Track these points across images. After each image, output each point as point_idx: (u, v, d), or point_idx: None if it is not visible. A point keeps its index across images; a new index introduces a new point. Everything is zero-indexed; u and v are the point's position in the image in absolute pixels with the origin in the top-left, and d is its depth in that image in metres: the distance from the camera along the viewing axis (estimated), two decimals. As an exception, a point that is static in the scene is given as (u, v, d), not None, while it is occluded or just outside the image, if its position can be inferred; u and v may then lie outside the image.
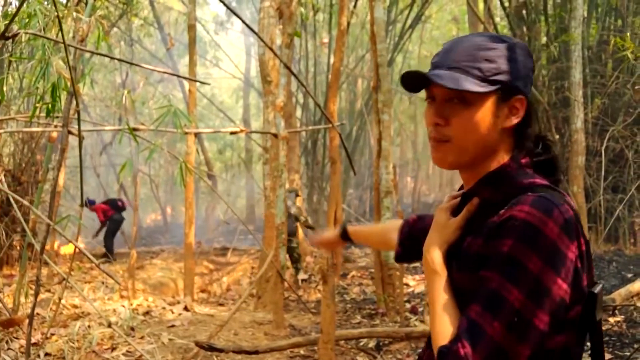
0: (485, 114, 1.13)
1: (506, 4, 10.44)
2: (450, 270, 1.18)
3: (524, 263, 1.00)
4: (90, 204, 10.88)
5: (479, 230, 1.12)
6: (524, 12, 10.64)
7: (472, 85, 1.11)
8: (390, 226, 1.73)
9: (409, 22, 12.23)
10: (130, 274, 6.83)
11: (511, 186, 1.14)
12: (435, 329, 1.10)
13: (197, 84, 7.48)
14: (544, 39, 10.38)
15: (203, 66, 20.99)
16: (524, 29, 10.45)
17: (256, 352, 4.46)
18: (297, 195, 8.85)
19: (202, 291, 8.72)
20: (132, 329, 5.21)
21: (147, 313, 5.96)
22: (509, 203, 1.08)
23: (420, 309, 6.34)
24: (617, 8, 9.90)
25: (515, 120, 1.16)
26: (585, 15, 10.00)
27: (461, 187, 1.29)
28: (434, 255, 1.19)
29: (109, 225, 10.82)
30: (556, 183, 1.18)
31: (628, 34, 8.65)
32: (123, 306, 6.04)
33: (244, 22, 3.30)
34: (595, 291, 1.10)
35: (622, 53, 7.55)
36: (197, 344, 4.31)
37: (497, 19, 12.62)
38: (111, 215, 10.86)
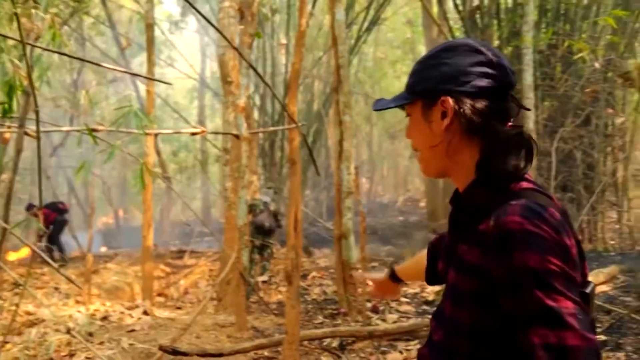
0: (417, 120, 1.25)
1: (460, 8, 10.64)
2: (448, 273, 1.23)
3: (547, 267, 1.01)
4: (32, 208, 10.71)
5: (471, 238, 1.14)
6: (477, 15, 10.88)
7: (400, 100, 1.27)
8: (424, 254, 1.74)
9: (366, 24, 12.31)
10: (86, 279, 6.68)
11: (499, 190, 1.15)
12: None
13: (155, 83, 7.36)
14: (496, 42, 10.62)
15: (157, 66, 20.62)
16: (478, 32, 10.68)
17: (220, 355, 4.43)
18: (275, 192, 8.78)
19: (159, 295, 8.58)
20: (91, 334, 5.10)
21: (104, 318, 5.84)
22: (492, 209, 1.10)
23: (381, 308, 6.40)
24: (567, 13, 10.19)
25: (446, 122, 1.18)
26: (536, 19, 10.27)
27: (456, 191, 1.30)
28: None
29: (53, 229, 10.64)
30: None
31: (583, 36, 8.91)
32: (79, 312, 5.91)
33: (209, 22, 3.28)
34: (587, 291, 1.11)
35: (577, 56, 7.77)
36: (161, 347, 4.25)
37: (452, 22, 12.83)
38: (54, 218, 10.72)
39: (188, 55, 18.88)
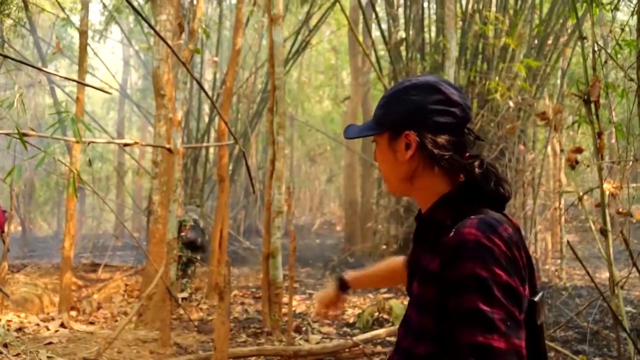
0: (384, 150, 1.39)
1: (387, 39, 11.04)
2: (411, 284, 1.34)
3: (491, 278, 1.15)
4: None
5: (434, 248, 1.27)
6: (402, 48, 11.32)
7: (366, 131, 1.44)
8: (396, 262, 1.83)
9: (294, 48, 12.51)
10: (-2, 289, 6.35)
11: (458, 208, 1.30)
12: None
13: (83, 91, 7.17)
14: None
15: (75, 74, 20.01)
16: (402, 64, 11.11)
17: (147, 370, 4.36)
18: (198, 206, 8.82)
19: (72, 309, 8.26)
20: (5, 345, 4.86)
21: (19, 329, 5.59)
22: (455, 224, 1.24)
23: (304, 329, 6.47)
24: (484, 52, 10.79)
25: (410, 153, 1.34)
26: (457, 55, 10.81)
27: (419, 211, 1.45)
28: None
29: None
30: (497, 205, 1.34)
31: (497, 78, 9.46)
32: (-8, 322, 5.62)
33: (161, 37, 3.30)
34: (535, 299, 1.28)
35: (492, 95, 8.28)
36: (86, 361, 4.14)
37: (380, 52, 13.28)
38: None
39: (110, 65, 18.42)
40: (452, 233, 1.22)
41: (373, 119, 1.42)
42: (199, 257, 8.11)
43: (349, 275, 1.96)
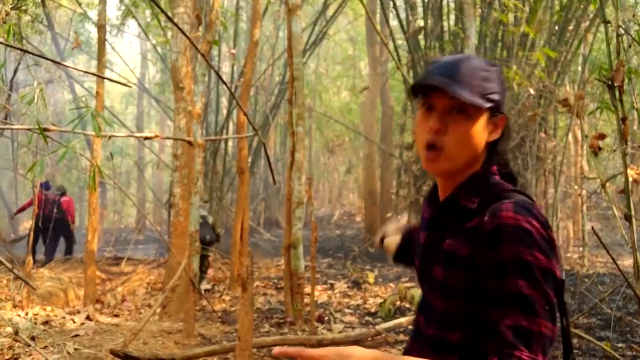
0: (479, 127, 1.27)
1: (405, 28, 10.97)
2: (431, 270, 1.32)
3: (533, 262, 1.14)
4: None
5: (458, 233, 1.26)
6: (420, 36, 11.25)
7: (477, 99, 1.24)
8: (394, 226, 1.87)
9: (312, 39, 12.49)
10: (24, 282, 6.46)
11: (485, 191, 1.29)
12: None
13: (104, 86, 7.23)
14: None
15: (93, 69, 20.17)
16: (421, 52, 11.03)
17: (172, 360, 4.41)
18: (206, 202, 8.98)
19: (96, 301, 8.38)
20: (33, 338, 4.95)
21: (46, 323, 5.68)
22: (483, 208, 1.23)
23: (326, 318, 6.50)
24: (504, 40, 10.68)
25: (495, 136, 1.32)
26: (476, 43, 10.71)
27: (431, 194, 1.44)
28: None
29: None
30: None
31: (514, 67, 9.36)
32: (19, 315, 5.72)
33: (180, 29, 3.31)
34: (563, 278, 1.27)
35: (509, 84, 8.18)
36: (112, 352, 4.20)
37: (399, 42, 13.19)
38: None
39: (127, 59, 18.56)
40: (486, 217, 1.21)
41: (474, 88, 1.25)
42: (209, 254, 8.32)
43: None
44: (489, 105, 1.27)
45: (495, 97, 1.28)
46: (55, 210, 10.85)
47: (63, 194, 11.54)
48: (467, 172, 1.32)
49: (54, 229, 10.86)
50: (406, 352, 1.41)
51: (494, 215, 1.20)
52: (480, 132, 1.28)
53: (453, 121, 1.26)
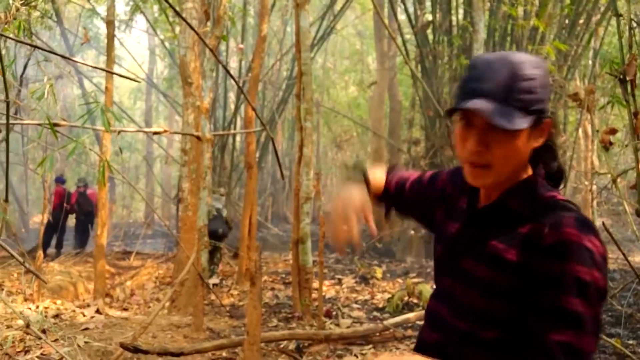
0: (524, 141, 1.22)
1: (413, 22, 10.94)
2: (473, 265, 1.29)
3: (592, 281, 1.13)
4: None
5: (505, 236, 1.25)
6: (429, 31, 11.20)
7: (518, 121, 1.17)
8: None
9: (319, 34, 12.48)
10: (36, 276, 6.50)
11: (535, 198, 1.26)
12: None
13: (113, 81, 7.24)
14: (446, 58, 10.95)
15: (102, 64, 20.25)
16: (429, 47, 11.00)
17: (181, 354, 4.42)
18: (222, 195, 8.99)
19: (106, 295, 8.43)
20: (44, 331, 4.98)
21: (57, 316, 5.71)
22: (539, 217, 1.21)
23: (334, 313, 6.50)
24: (513, 34, 10.63)
25: (542, 141, 1.27)
26: (485, 37, 10.66)
27: (468, 186, 1.37)
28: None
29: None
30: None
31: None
32: (30, 309, 5.76)
33: (188, 24, 3.30)
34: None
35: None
36: (122, 345, 4.21)
37: (407, 36, 13.16)
38: None
39: (136, 54, 18.61)
40: (547, 229, 1.18)
41: (515, 104, 1.18)
42: (222, 245, 8.34)
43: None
44: (532, 119, 1.20)
45: (540, 105, 1.21)
46: (82, 202, 11.19)
47: (86, 185, 11.80)
48: (515, 178, 1.29)
49: (85, 220, 11.18)
50: (423, 340, 1.40)
51: (556, 229, 1.17)
52: (525, 144, 1.23)
53: (495, 139, 1.21)
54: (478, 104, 1.18)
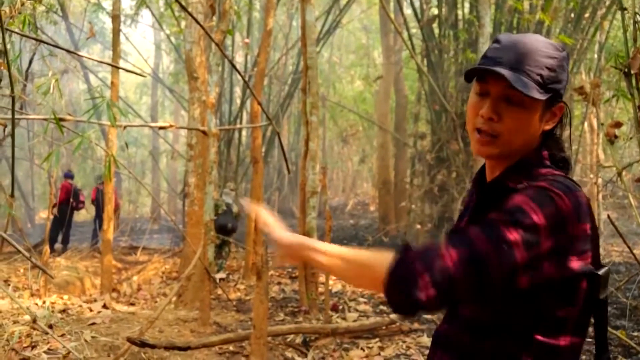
0: (535, 117, 1.25)
1: (419, 17, 10.91)
2: None
3: (529, 213, 1.12)
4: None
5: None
6: (435, 25, 11.18)
7: (535, 91, 1.21)
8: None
9: (325, 28, 12.46)
10: (42, 271, 6.55)
11: (532, 173, 1.26)
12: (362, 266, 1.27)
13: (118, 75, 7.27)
14: (452, 52, 10.93)
15: (107, 59, 20.27)
16: (435, 41, 10.97)
17: (188, 348, 4.46)
18: (232, 190, 9.05)
19: (112, 290, 8.47)
20: (51, 326, 5.01)
21: (63, 311, 5.75)
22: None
23: (340, 307, 6.53)
24: (519, 28, 10.59)
25: (553, 124, 1.30)
26: (491, 31, 10.63)
27: (478, 177, 1.41)
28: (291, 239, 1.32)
29: None
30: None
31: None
32: (36, 304, 5.80)
33: (194, 19, 3.32)
34: (600, 273, 1.22)
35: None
36: (129, 339, 4.25)
37: (413, 30, 13.11)
38: None
39: (141, 49, 18.62)
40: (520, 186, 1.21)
41: (534, 76, 1.22)
42: (231, 240, 8.37)
43: None
44: (547, 96, 1.23)
45: (557, 86, 1.25)
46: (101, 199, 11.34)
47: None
48: (518, 157, 1.30)
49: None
50: (437, 331, 1.40)
51: (528, 184, 1.20)
52: (537, 122, 1.26)
53: (508, 110, 1.24)
54: (503, 70, 1.21)
